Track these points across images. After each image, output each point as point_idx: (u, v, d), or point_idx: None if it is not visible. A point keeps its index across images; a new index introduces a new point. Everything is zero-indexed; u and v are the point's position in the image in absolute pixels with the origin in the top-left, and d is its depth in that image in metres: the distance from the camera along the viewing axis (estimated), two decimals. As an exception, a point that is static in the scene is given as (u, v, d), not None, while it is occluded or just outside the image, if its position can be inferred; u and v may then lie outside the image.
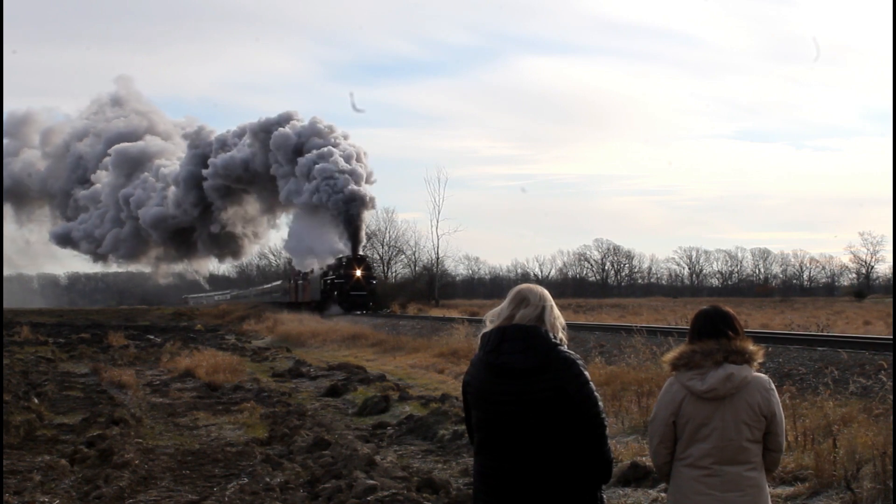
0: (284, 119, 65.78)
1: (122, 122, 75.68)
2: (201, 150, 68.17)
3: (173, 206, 68.81)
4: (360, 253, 56.43)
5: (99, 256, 76.28)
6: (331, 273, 54.42)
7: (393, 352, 24.96)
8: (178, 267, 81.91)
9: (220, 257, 79.34)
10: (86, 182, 74.34)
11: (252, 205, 71.67)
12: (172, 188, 69.17)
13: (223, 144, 68.12)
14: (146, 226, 70.21)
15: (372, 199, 57.10)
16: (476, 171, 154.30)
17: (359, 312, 48.28)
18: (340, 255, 54.56)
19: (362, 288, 51.91)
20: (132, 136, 73.84)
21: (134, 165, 72.29)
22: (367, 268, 54.67)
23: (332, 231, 56.72)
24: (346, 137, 65.15)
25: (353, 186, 55.14)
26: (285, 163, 61.66)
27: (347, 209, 54.50)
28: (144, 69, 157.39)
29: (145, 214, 69.81)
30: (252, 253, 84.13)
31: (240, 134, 68.15)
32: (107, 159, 72.88)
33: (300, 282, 58.95)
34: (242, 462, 9.46)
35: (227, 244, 74.86)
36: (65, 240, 76.32)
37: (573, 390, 3.40)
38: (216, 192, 67.28)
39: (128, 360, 23.50)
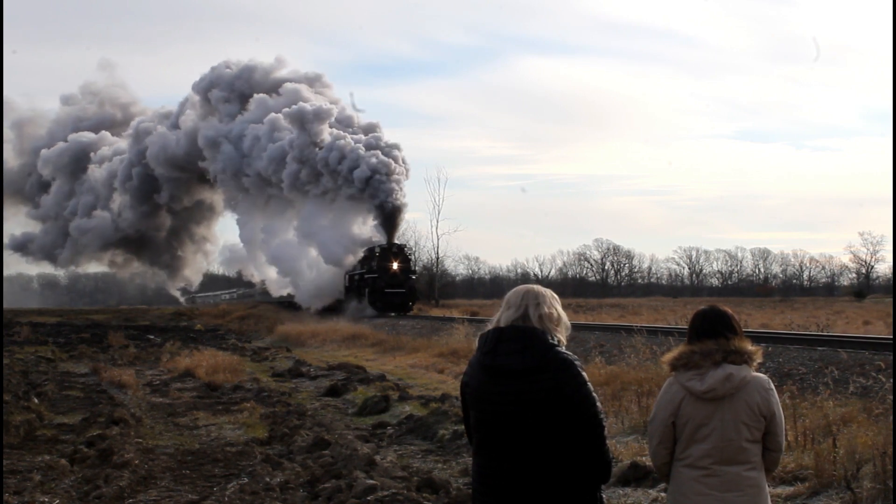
0: (222, 66, 55.87)
1: (93, 110, 69.37)
2: (144, 146, 59.92)
3: (119, 215, 62.61)
4: (397, 242, 45.84)
5: (59, 263, 71.64)
6: (359, 266, 45.38)
7: (393, 352, 24.96)
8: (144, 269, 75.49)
9: (172, 275, 73.10)
10: (49, 185, 67.90)
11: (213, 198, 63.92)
12: (117, 195, 62.36)
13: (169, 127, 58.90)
14: (87, 242, 64.81)
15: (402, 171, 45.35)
16: (476, 171, 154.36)
17: (393, 314, 40.50)
18: (372, 246, 44.95)
19: (400, 284, 42.88)
20: (103, 129, 67.38)
21: (77, 168, 65.79)
22: (406, 260, 44.71)
23: (346, 217, 47.57)
24: (314, 82, 53.98)
25: (378, 158, 44.81)
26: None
27: (377, 185, 44.12)
28: (144, 69, 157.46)
29: (83, 228, 64.04)
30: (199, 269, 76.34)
31: (179, 114, 59.64)
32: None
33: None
34: (242, 462, 9.46)
35: (175, 262, 69.33)
36: (22, 249, 70.69)
37: (571, 391, 3.40)
38: (167, 195, 60.56)
39: (128, 359, 23.49)
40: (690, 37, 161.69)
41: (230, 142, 52.30)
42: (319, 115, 48.73)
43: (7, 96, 70.29)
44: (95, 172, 64.50)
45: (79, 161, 65.94)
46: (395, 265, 43.04)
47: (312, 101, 51.04)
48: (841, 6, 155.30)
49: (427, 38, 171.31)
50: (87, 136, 67.12)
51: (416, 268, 55.77)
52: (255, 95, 53.08)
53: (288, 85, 52.27)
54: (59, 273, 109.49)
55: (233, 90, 55.36)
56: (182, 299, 79.40)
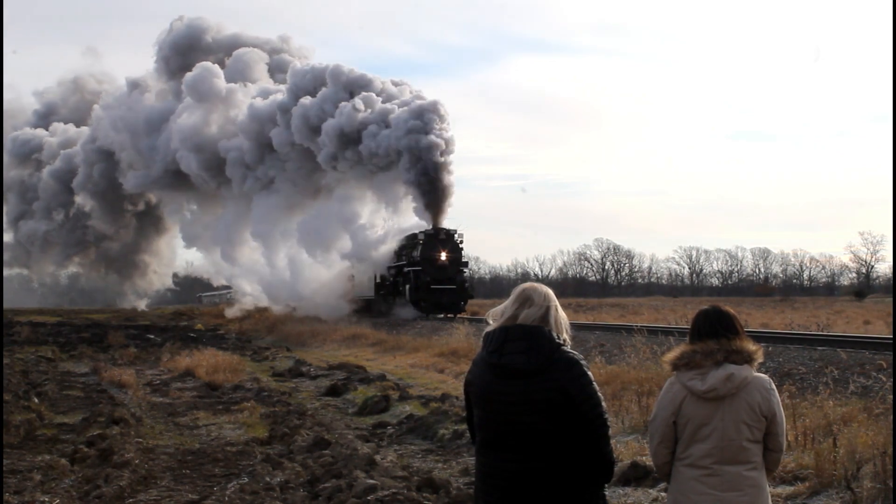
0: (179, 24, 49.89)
1: (73, 100, 65.73)
2: (99, 144, 55.33)
3: (78, 220, 59.74)
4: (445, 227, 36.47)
5: (32, 270, 68.82)
6: (396, 257, 37.52)
7: (393, 351, 24.94)
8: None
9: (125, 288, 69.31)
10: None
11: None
12: (77, 197, 58.48)
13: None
14: (44, 247, 62.08)
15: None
16: (476, 171, 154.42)
17: (441, 316, 33.52)
18: (416, 232, 36.58)
19: (450, 279, 34.56)
20: (80, 119, 63.63)
21: (25, 171, 62.68)
22: (456, 249, 35.51)
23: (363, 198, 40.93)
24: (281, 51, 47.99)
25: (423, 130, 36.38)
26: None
27: (419, 154, 35.77)
28: (144, 69, 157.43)
29: (35, 234, 61.32)
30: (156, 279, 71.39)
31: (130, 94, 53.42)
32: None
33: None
34: (242, 461, 9.46)
35: (132, 272, 66.14)
36: None
37: (576, 391, 3.40)
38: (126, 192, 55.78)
39: (128, 359, 23.46)
40: (690, 37, 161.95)
41: (139, 146, 48.11)
42: (229, 97, 43.35)
43: None
44: (42, 173, 61.46)
45: (25, 163, 63.22)
46: (443, 255, 34.68)
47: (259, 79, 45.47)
48: (841, 6, 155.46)
49: (426, 38, 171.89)
50: (28, 132, 63.71)
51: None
52: (186, 78, 46.41)
53: (218, 78, 45.29)
54: (60, 273, 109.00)
55: (177, 61, 50.33)
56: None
